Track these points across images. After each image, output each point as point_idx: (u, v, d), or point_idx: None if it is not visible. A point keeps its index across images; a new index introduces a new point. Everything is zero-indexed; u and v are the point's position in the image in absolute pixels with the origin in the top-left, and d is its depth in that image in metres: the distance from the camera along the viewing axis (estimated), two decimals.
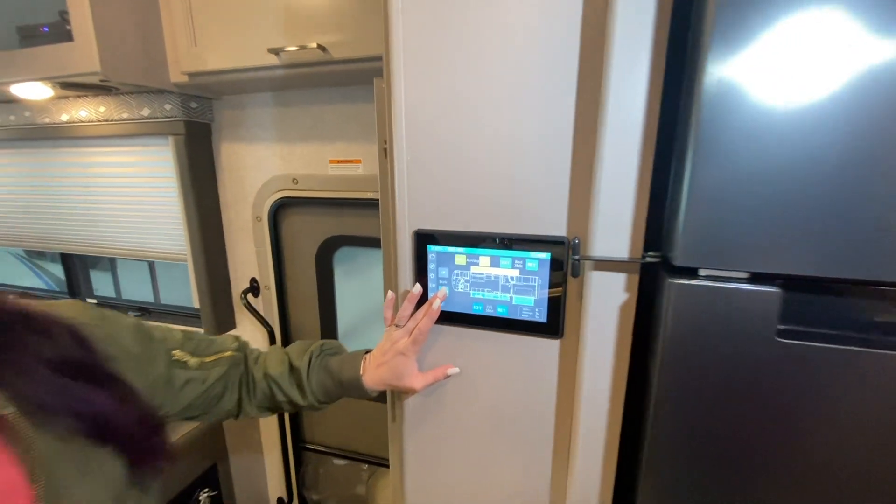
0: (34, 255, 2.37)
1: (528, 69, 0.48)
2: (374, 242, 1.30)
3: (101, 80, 1.02)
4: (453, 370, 0.60)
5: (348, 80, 1.10)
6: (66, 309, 0.46)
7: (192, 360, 0.58)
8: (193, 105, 1.25)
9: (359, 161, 1.24)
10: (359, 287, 1.42)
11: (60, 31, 1.06)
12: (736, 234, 0.36)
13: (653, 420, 0.43)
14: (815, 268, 0.36)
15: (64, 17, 1.10)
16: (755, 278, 0.38)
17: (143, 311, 1.71)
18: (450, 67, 0.52)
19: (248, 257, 1.40)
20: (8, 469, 0.34)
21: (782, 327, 0.37)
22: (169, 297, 1.80)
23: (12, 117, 1.45)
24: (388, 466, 1.42)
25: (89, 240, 1.55)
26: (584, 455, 0.54)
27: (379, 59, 0.95)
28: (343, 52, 0.96)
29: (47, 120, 1.40)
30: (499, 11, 0.48)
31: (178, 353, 0.57)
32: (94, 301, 1.80)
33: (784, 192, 0.35)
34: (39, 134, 1.44)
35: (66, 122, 1.37)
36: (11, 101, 1.41)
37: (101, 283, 1.90)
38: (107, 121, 1.32)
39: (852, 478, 0.39)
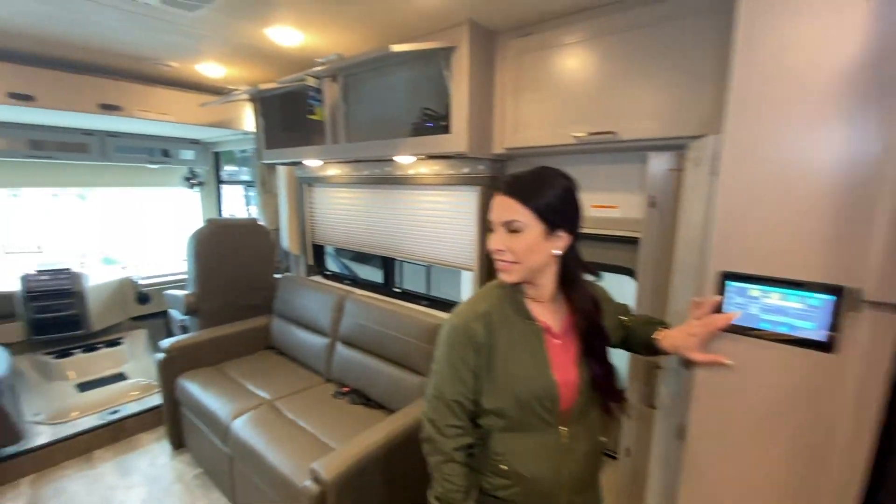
0: (340, 253, 3.49)
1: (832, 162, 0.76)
2: (617, 269, 1.63)
3: (458, 154, 1.64)
4: (729, 362, 0.87)
5: (615, 149, 1.49)
6: (598, 290, 1.02)
7: (624, 319, 1.06)
8: (497, 165, 1.83)
9: (616, 206, 1.60)
10: None
11: (436, 126, 1.74)
12: None
13: None
14: None
15: (425, 112, 1.79)
16: None
17: (425, 299, 2.41)
18: (749, 172, 0.83)
19: None
20: (574, 338, 0.95)
21: None
22: (437, 290, 2.57)
23: (377, 170, 2.32)
24: (613, 457, 1.71)
25: (407, 249, 2.32)
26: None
27: (648, 140, 1.30)
28: (628, 135, 1.35)
29: (399, 173, 2.20)
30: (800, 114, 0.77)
31: (622, 317, 1.05)
32: (398, 290, 2.61)
33: None
34: (391, 181, 2.27)
35: (411, 175, 2.14)
36: (382, 161, 2.26)
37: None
38: (437, 174, 2.02)
39: None
